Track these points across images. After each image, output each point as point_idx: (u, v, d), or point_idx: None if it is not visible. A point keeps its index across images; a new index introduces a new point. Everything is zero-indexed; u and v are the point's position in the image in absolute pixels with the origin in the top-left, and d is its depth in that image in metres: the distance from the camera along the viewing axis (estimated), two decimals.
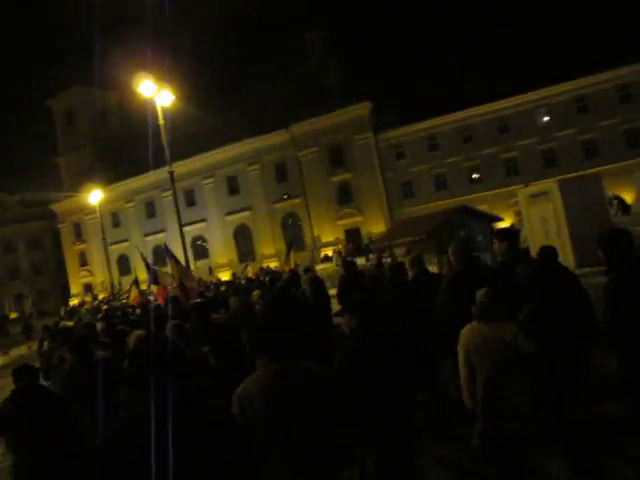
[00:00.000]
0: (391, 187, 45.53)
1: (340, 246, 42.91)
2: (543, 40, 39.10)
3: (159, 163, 17.26)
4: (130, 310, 15.27)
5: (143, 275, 41.92)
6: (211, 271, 44.49)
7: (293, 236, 48.51)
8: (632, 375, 3.65)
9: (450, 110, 42.40)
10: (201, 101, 45.79)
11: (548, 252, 4.79)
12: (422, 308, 5.79)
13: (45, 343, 10.34)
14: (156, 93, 16.19)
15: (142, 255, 18.10)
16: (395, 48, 56.20)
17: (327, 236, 46.06)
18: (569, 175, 27.41)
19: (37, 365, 6.76)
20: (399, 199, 45.35)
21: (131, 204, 55.79)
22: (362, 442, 3.56)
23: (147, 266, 14.52)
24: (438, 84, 42.01)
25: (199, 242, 52.72)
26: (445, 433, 5.54)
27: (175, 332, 4.73)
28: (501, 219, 29.30)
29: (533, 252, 16.45)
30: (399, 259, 19.94)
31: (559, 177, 20.50)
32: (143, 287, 21.01)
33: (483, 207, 32.28)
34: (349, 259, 34.05)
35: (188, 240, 51.14)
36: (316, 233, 46.73)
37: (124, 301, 21.20)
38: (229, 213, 50.73)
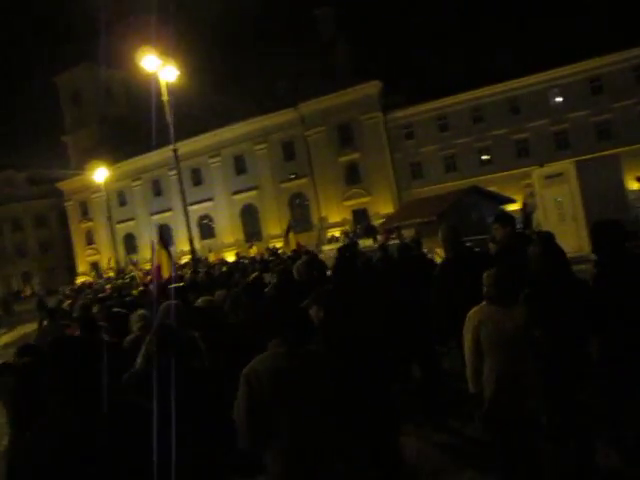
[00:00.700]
0: (400, 168, 44.92)
1: (347, 227, 42.52)
2: (557, 19, 38.13)
3: (165, 141, 16.89)
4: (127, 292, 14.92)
5: (148, 254, 41.81)
6: (210, 251, 44.06)
7: (300, 216, 48.21)
8: (609, 365, 3.89)
9: (461, 90, 41.56)
10: (208, 79, 45.23)
11: (547, 237, 4.82)
12: (410, 293, 5.82)
13: (44, 322, 10.06)
14: (160, 68, 15.78)
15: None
16: (406, 26, 55.17)
17: (334, 217, 45.65)
18: (582, 157, 26.79)
19: None
20: (408, 180, 44.77)
21: (137, 182, 55.48)
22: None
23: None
24: (449, 64, 41.14)
25: (205, 221, 52.44)
26: (436, 416, 5.60)
27: (171, 312, 4.76)
28: (513, 201, 28.77)
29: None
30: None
31: (574, 159, 20.00)
32: (147, 266, 20.91)
33: (493, 189, 31.73)
34: (353, 240, 33.74)
35: (194, 219, 50.92)
36: (323, 213, 46.33)
37: (127, 280, 20.94)
38: (236, 192, 50.36)
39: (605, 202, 14.80)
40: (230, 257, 40.46)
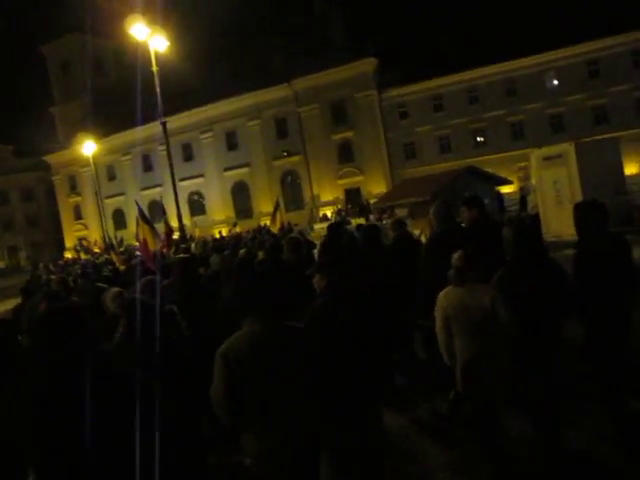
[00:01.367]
0: (393, 147, 44.54)
1: (339, 205, 42.25)
2: (555, 1, 37.60)
3: (156, 115, 16.45)
4: (109, 267, 14.62)
5: (134, 229, 41.28)
6: (195, 226, 43.47)
7: (292, 194, 47.85)
8: (594, 340, 4.09)
9: (456, 70, 41.10)
10: (200, 53, 44.37)
11: (522, 219, 4.68)
12: (396, 271, 5.85)
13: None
14: (149, 37, 15.29)
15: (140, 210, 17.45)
16: (402, 3, 54.35)
17: (327, 195, 45.32)
18: (579, 141, 26.54)
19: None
20: (401, 160, 44.43)
21: (127, 157, 54.69)
22: (327, 406, 3.43)
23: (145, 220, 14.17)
24: (444, 43, 40.56)
25: (196, 197, 51.92)
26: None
27: (147, 288, 4.82)
28: (510, 182, 28.61)
29: (544, 217, 15.99)
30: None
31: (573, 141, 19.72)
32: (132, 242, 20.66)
33: (488, 171, 31.50)
34: (340, 219, 33.54)
35: (184, 195, 50.39)
36: (315, 192, 45.97)
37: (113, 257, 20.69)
38: (227, 169, 49.81)
39: (603, 185, 14.55)
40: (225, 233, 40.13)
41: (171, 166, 16.77)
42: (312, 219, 37.92)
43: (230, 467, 4.58)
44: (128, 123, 50.10)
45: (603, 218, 4.12)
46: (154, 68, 15.58)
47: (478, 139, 42.75)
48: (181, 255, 9.12)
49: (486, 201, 21.34)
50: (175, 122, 46.77)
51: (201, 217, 50.07)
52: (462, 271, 3.92)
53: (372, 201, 38.38)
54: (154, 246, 12.41)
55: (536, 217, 16.68)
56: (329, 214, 40.89)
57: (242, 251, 8.67)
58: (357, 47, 42.23)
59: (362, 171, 44.52)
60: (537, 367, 3.92)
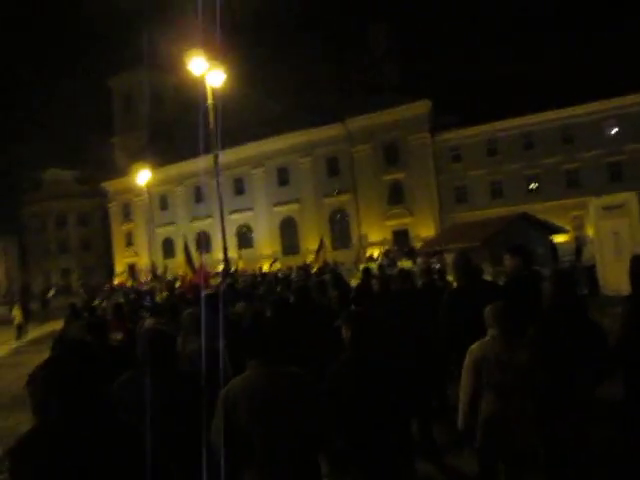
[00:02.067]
0: (444, 190, 44.07)
1: (387, 246, 41.77)
2: (616, 46, 37.01)
3: (210, 148, 16.69)
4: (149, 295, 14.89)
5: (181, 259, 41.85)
6: (240, 258, 43.58)
7: (340, 232, 47.76)
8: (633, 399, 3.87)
9: (512, 115, 40.60)
10: (256, 89, 45.38)
11: (562, 275, 4.39)
12: (422, 320, 5.71)
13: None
14: (207, 72, 15.63)
15: (185, 243, 18.20)
16: (459, 47, 54.64)
17: (374, 235, 45.00)
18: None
19: None
20: (452, 203, 43.86)
21: (180, 188, 55.93)
22: (343, 458, 3.44)
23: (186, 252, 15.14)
24: (501, 87, 40.24)
25: (244, 231, 52.41)
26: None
27: (188, 320, 4.81)
28: (565, 230, 27.64)
29: (601, 270, 15.28)
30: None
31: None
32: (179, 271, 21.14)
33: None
34: (387, 261, 33.08)
35: (233, 228, 50.95)
36: (363, 231, 45.74)
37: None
38: (277, 204, 50.24)
39: None
40: (265, 268, 40.21)
41: (220, 198, 16.89)
42: (358, 259, 37.48)
43: None
44: (183, 155, 51.46)
45: None
46: (209, 102, 15.86)
47: (531, 186, 41.86)
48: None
49: (539, 250, 20.71)
50: (228, 156, 47.71)
51: (248, 250, 50.38)
52: (497, 323, 3.81)
53: (419, 244, 37.86)
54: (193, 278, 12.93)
55: (592, 269, 15.98)
56: (376, 254, 40.45)
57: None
58: (412, 89, 42.32)
59: (411, 213, 44.13)
60: (568, 430, 3.68)
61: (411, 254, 34.68)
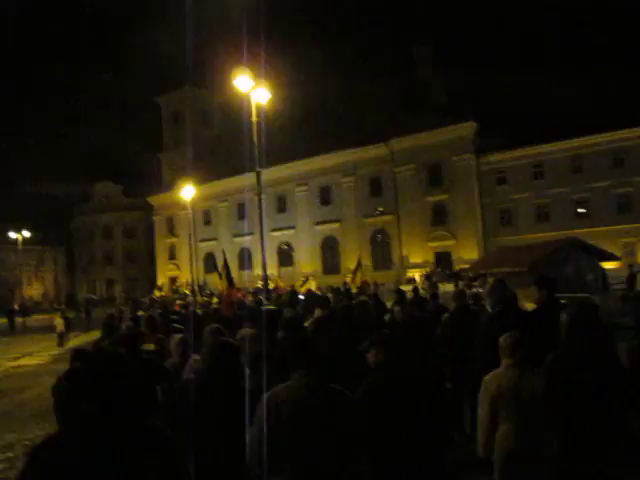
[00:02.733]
0: (488, 213, 43.36)
1: (428, 269, 41.30)
2: None
3: (254, 165, 16.81)
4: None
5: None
6: (279, 276, 43.86)
7: (381, 253, 47.43)
8: None
9: (559, 137, 39.72)
10: (301, 108, 45.77)
11: (583, 306, 4.41)
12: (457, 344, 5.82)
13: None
14: (252, 89, 15.78)
15: (225, 258, 18.55)
16: (505, 69, 54.08)
17: (416, 257, 44.56)
18: None
19: None
20: (496, 226, 43.09)
21: (224, 204, 56.69)
22: None
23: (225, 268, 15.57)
24: (548, 110, 39.57)
25: (285, 248, 52.64)
26: None
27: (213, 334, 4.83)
28: (617, 258, 26.61)
29: None
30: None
31: None
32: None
33: None
34: (430, 283, 32.66)
35: (274, 246, 51.26)
36: (405, 253, 45.35)
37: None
38: (319, 223, 50.35)
39: None
40: (311, 286, 40.18)
41: (261, 216, 16.89)
42: (399, 280, 37.14)
43: None
44: (227, 171, 52.25)
45: None
46: (254, 119, 16.00)
47: (579, 210, 40.71)
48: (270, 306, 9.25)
49: (589, 277, 20.03)
50: (272, 173, 48.16)
51: (289, 268, 50.56)
52: (513, 353, 3.80)
53: (460, 267, 37.29)
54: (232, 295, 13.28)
55: None
56: (417, 276, 40.01)
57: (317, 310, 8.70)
58: (457, 110, 41.97)
59: (454, 235, 43.53)
60: (586, 462, 3.52)
61: (452, 277, 34.22)
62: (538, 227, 40.49)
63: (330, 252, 50.28)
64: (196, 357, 5.08)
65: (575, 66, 49.76)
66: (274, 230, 51.13)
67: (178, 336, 5.74)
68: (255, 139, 16.43)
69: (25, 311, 37.46)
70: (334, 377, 3.36)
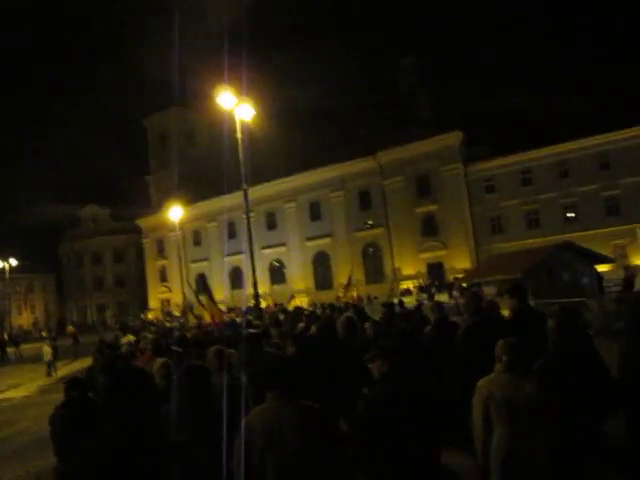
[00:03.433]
0: (479, 221, 43.28)
1: (421, 280, 41.10)
2: None
3: (241, 184, 16.59)
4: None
5: (219, 294, 41.79)
6: (268, 295, 43.60)
7: (373, 266, 47.22)
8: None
9: (546, 143, 39.82)
10: (287, 124, 45.69)
11: (568, 312, 4.59)
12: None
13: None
14: (236, 106, 15.61)
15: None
16: (490, 77, 54.43)
17: (408, 269, 44.34)
18: None
19: None
20: (487, 235, 43.00)
21: (213, 224, 56.34)
22: None
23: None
24: (534, 116, 39.67)
25: (277, 266, 52.29)
26: None
27: (216, 358, 4.84)
28: (611, 260, 26.51)
29: None
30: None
31: None
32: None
33: None
34: (427, 295, 32.51)
35: (266, 263, 50.93)
36: (397, 265, 45.12)
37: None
38: (309, 239, 50.09)
39: None
40: (302, 303, 39.87)
41: (249, 233, 16.70)
42: (392, 293, 36.90)
43: None
44: (215, 191, 51.97)
45: None
46: (238, 135, 15.82)
47: (569, 215, 40.74)
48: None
49: (584, 280, 19.81)
50: (260, 191, 47.99)
51: (281, 286, 50.21)
52: (507, 359, 3.82)
53: (453, 276, 37.11)
54: (214, 318, 13.68)
55: None
56: (411, 288, 39.82)
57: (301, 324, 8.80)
58: (443, 120, 42.05)
59: (445, 245, 43.39)
60: (576, 463, 3.70)
61: (442, 287, 34.07)
62: (529, 233, 40.48)
63: (322, 267, 49.97)
64: None
65: (559, 71, 50.15)
66: (265, 248, 50.83)
67: (161, 360, 5.67)
68: (241, 156, 16.25)
69: (14, 341, 36.81)
70: (317, 395, 3.34)
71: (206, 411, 3.49)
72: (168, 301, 59.16)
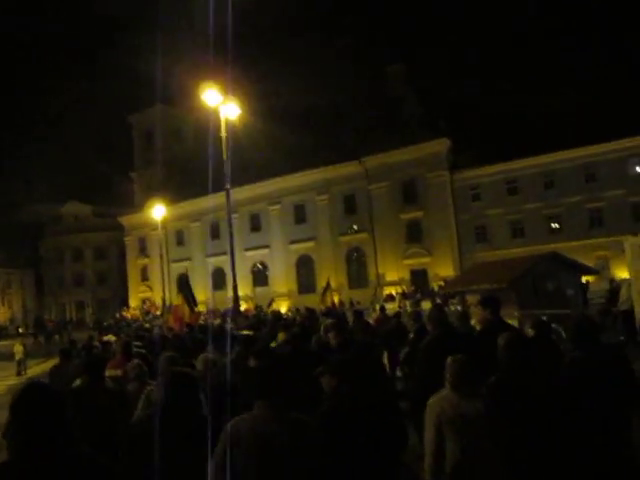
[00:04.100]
0: (464, 229, 43.25)
1: (404, 286, 40.96)
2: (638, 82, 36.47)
3: (225, 185, 16.28)
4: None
5: (200, 295, 41.33)
6: (248, 300, 43.45)
7: (357, 271, 47.02)
8: None
9: (532, 153, 39.89)
10: (273, 126, 45.37)
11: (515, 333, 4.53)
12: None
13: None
14: (221, 104, 15.33)
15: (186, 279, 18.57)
16: (477, 85, 54.55)
17: (392, 275, 44.18)
18: None
19: None
20: (471, 243, 42.99)
21: (196, 224, 55.75)
22: None
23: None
24: (520, 126, 39.77)
25: (260, 268, 51.86)
26: None
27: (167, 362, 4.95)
28: (596, 271, 26.58)
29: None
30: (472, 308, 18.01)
31: None
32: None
33: None
34: (413, 302, 32.33)
35: (248, 265, 50.51)
36: (380, 270, 44.94)
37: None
38: (293, 242, 49.74)
39: None
40: (282, 307, 39.59)
41: (231, 234, 16.44)
42: (376, 298, 36.73)
43: None
44: (199, 191, 51.35)
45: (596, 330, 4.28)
46: (223, 134, 15.52)
47: (553, 225, 40.92)
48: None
49: (570, 292, 19.68)
50: (245, 192, 47.58)
51: (264, 288, 49.83)
52: (457, 376, 3.86)
53: (436, 284, 37.03)
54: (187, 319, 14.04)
55: (627, 313, 15.03)
56: (394, 294, 39.66)
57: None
58: (430, 127, 42.01)
59: (430, 252, 43.29)
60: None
61: (429, 295, 33.89)
62: (513, 242, 40.54)
63: (305, 271, 49.64)
64: (152, 385, 5.04)
65: (546, 83, 50.38)
66: (248, 249, 50.39)
67: (135, 361, 5.74)
68: (225, 155, 15.94)
69: None
70: (295, 405, 3.30)
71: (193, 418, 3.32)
72: (148, 300, 58.45)
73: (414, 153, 43.12)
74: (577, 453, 3.67)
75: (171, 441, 3.05)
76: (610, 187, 38.12)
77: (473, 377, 3.89)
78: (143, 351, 8.11)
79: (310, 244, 48.82)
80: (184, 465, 3.07)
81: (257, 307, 38.24)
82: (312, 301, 34.90)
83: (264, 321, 16.32)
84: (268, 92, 49.13)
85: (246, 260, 49.80)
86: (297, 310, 27.48)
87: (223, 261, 49.34)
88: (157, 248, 53.79)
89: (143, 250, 61.59)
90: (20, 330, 52.93)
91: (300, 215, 49.86)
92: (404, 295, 35.82)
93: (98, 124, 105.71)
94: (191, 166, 55.01)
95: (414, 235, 44.14)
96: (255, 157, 45.97)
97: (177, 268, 55.88)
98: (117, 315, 49.94)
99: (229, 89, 16.15)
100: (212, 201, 47.92)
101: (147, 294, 59.92)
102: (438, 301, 29.75)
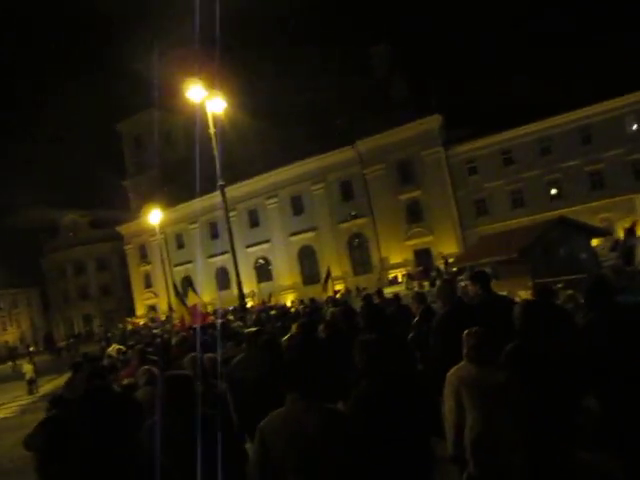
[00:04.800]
0: (463, 205, 42.80)
1: (409, 268, 40.61)
2: (629, 40, 35.84)
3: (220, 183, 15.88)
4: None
5: (205, 297, 41.03)
6: (253, 295, 43.39)
7: (360, 257, 46.66)
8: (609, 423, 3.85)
9: (526, 121, 39.35)
10: (262, 120, 44.88)
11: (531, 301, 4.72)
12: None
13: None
14: (207, 99, 14.94)
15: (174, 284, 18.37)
16: (465, 57, 53.91)
17: (395, 257, 43.80)
18: None
19: None
20: (472, 217, 42.55)
21: (194, 225, 55.35)
22: None
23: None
24: (512, 93, 39.12)
25: (262, 263, 51.52)
26: None
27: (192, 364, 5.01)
28: (608, 232, 26.01)
29: None
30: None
31: None
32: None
33: None
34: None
35: (251, 262, 50.20)
36: (384, 254, 44.57)
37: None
38: (293, 234, 49.36)
39: None
40: (288, 301, 39.34)
41: (229, 231, 16.03)
42: (381, 283, 36.37)
43: None
44: (194, 192, 50.91)
45: (607, 290, 4.13)
46: (211, 130, 15.13)
47: (553, 192, 40.39)
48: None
49: (583, 256, 19.14)
50: (240, 189, 47.22)
51: (268, 283, 49.53)
52: (474, 348, 3.87)
53: (441, 262, 36.63)
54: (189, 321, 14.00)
55: None
56: (399, 276, 39.32)
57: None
58: (421, 105, 41.40)
59: (431, 231, 42.89)
60: (552, 446, 3.65)
61: (428, 273, 33.58)
62: (514, 213, 40.12)
63: (308, 262, 49.28)
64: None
65: (536, 47, 49.76)
66: (249, 246, 50.08)
67: (144, 367, 5.73)
68: (215, 151, 15.57)
69: None
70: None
71: (190, 421, 3.33)
72: (154, 307, 58.28)
73: (406, 132, 42.64)
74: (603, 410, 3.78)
75: (174, 441, 3.13)
76: (608, 147, 37.53)
77: (490, 348, 3.90)
78: (154, 357, 8.08)
79: (310, 235, 48.44)
80: (190, 464, 3.12)
81: (265, 302, 37.94)
82: (317, 292, 34.60)
83: (265, 320, 16.06)
84: (254, 86, 48.58)
85: (248, 257, 49.50)
86: (301, 302, 27.21)
87: (225, 260, 49.05)
88: (158, 254, 53.47)
89: (144, 257, 61.33)
90: (31, 349, 52.86)
91: (298, 206, 49.44)
92: (410, 276, 35.41)
93: (89, 133, 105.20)
94: (183, 168, 54.56)
95: (414, 215, 43.74)
96: (247, 153, 45.53)
97: (181, 271, 55.63)
98: (120, 325, 49.76)
99: (215, 83, 15.73)
100: (207, 201, 47.63)
101: (152, 300, 59.77)
102: (439, 281, 29.43)
